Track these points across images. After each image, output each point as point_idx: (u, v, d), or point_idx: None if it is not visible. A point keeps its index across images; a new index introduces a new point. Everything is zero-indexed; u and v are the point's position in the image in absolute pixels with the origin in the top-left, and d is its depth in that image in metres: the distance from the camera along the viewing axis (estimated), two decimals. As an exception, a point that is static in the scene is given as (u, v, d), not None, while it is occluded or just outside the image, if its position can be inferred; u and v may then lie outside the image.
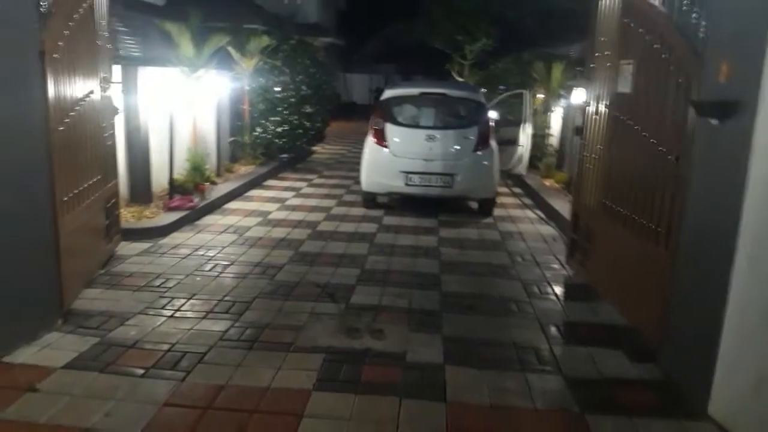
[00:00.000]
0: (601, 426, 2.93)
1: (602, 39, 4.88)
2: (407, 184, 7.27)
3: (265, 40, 9.99)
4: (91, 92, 4.58)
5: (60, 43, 3.85)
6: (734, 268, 2.86)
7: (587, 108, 5.22)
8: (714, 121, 3.06)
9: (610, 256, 4.57)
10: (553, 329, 4.07)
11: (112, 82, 5.21)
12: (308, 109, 11.99)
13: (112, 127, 5.31)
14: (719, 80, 3.05)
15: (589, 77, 5.23)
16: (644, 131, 4.01)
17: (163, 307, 4.18)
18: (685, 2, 3.45)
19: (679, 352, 3.34)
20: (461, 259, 5.67)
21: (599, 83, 4.93)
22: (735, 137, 2.90)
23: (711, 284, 3.03)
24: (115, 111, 5.47)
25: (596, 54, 5.01)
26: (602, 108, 4.85)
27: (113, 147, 5.36)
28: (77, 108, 4.22)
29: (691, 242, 3.31)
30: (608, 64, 4.72)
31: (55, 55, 3.74)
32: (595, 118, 5.00)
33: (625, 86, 4.39)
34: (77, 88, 4.25)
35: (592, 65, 5.12)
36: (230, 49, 9.41)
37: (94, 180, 4.68)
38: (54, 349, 3.49)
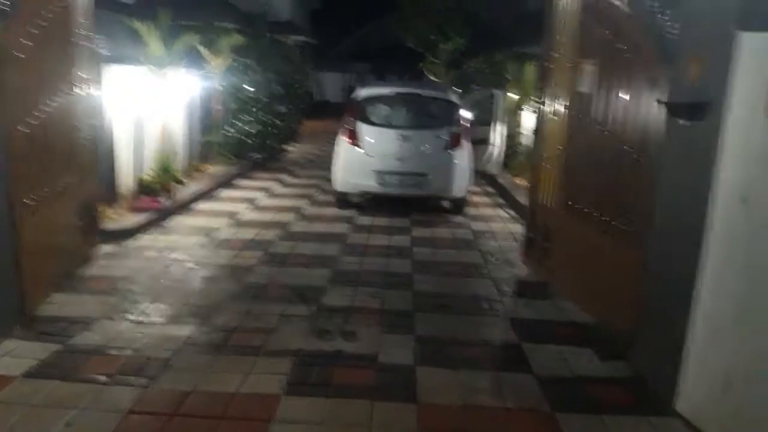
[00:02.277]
0: (571, 424, 2.94)
1: (560, 39, 4.84)
2: (380, 184, 7.24)
3: (237, 38, 9.85)
4: (66, 92, 4.47)
5: (27, 42, 3.73)
6: (702, 267, 2.90)
7: (542, 108, 5.18)
8: (683, 122, 3.08)
9: (573, 255, 4.55)
10: (521, 328, 4.08)
11: (93, 83, 5.07)
12: (280, 108, 11.87)
13: (94, 128, 5.19)
14: (689, 81, 3.08)
15: (544, 77, 5.17)
16: (609, 131, 4.02)
17: (127, 311, 4.07)
18: (655, 4, 3.47)
19: (649, 349, 3.37)
20: (434, 259, 5.66)
21: (556, 83, 4.90)
22: (704, 137, 2.93)
23: (679, 283, 3.06)
24: (98, 112, 5.33)
25: (553, 54, 4.96)
26: (560, 108, 4.82)
27: (93, 148, 5.21)
28: (46, 108, 4.08)
29: (660, 241, 3.34)
30: (567, 64, 4.69)
31: (18, 54, 3.62)
32: (553, 118, 4.97)
33: (586, 86, 4.37)
34: (47, 87, 4.14)
35: (548, 65, 5.08)
36: (200, 47, 9.26)
37: (68, 181, 4.54)
38: (13, 356, 3.37)
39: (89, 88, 5.00)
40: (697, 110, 2.97)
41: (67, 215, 4.62)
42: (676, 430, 2.94)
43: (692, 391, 2.96)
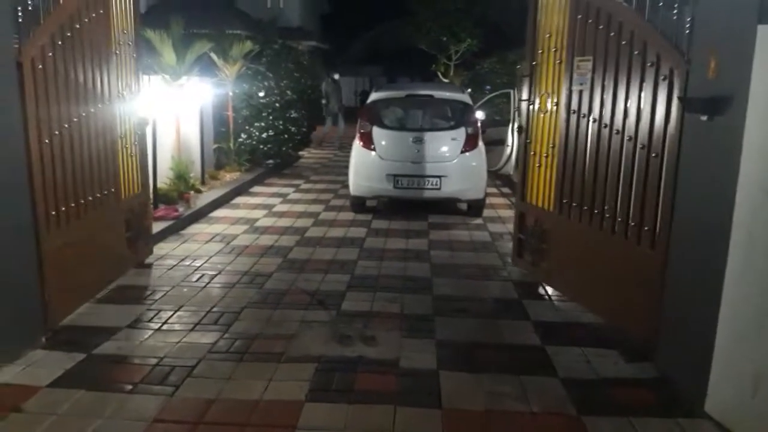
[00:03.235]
0: (598, 427, 2.90)
1: (548, 36, 4.79)
2: (395, 187, 7.23)
3: (248, 45, 9.91)
4: (102, 103, 4.50)
5: (49, 54, 3.76)
6: (727, 265, 2.84)
7: (530, 106, 5.11)
8: (703, 117, 3.04)
9: (578, 256, 4.46)
10: (542, 330, 4.04)
11: (135, 92, 5.12)
12: (293, 114, 11.92)
13: (139, 138, 5.28)
14: (708, 76, 3.03)
15: (530, 74, 5.09)
16: (615, 129, 3.96)
17: (150, 320, 4.09)
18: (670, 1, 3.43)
19: (675, 350, 3.32)
20: (452, 262, 5.63)
21: (546, 81, 4.84)
22: (725, 133, 2.88)
23: (705, 282, 3.01)
24: (144, 122, 5.39)
25: (540, 51, 4.90)
26: (551, 106, 4.76)
27: (141, 158, 5.32)
28: (75, 119, 4.10)
29: (682, 240, 3.29)
30: (558, 61, 4.63)
31: (39, 66, 3.65)
32: (543, 117, 4.90)
33: (582, 83, 4.31)
34: (82, 97, 4.18)
35: (534, 62, 5.01)
36: (213, 55, 9.33)
37: (105, 192, 4.58)
38: (39, 367, 3.40)
39: (131, 97, 5.05)
40: (717, 105, 2.93)
41: (106, 225, 4.65)
42: (707, 431, 2.89)
43: (722, 392, 2.91)
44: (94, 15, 4.36)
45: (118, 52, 4.79)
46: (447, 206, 7.68)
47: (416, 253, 5.90)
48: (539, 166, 4.98)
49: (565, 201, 4.58)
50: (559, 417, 3.01)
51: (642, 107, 3.72)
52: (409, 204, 7.57)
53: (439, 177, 7.15)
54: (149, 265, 5.33)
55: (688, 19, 3.30)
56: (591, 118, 4.24)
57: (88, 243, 4.31)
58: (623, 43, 3.86)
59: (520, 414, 3.02)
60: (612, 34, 3.98)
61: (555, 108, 4.71)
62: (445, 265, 5.50)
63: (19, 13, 3.49)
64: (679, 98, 3.29)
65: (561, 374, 3.42)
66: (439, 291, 4.79)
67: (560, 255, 4.72)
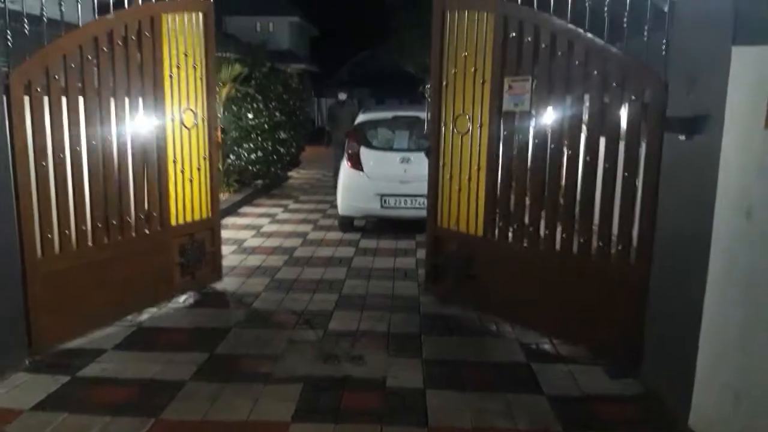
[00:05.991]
0: (584, 444, 2.91)
1: (465, 55, 4.60)
2: (383, 207, 7.28)
3: (238, 69, 10.00)
4: (138, 127, 4.43)
5: (56, 76, 3.76)
6: (708, 282, 2.89)
7: (442, 128, 4.86)
8: (681, 137, 3.11)
9: (529, 281, 4.22)
10: (533, 346, 4.06)
11: (205, 117, 5.04)
12: (282, 135, 11.99)
13: (204, 163, 5.06)
14: (685, 96, 3.11)
15: (440, 95, 4.85)
16: (571, 150, 3.92)
17: (135, 341, 4.07)
18: (645, 24, 3.52)
19: (659, 366, 3.35)
20: (439, 281, 5.65)
21: (463, 101, 4.64)
22: (704, 151, 2.94)
23: (686, 298, 3.06)
24: (213, 146, 5.22)
25: (454, 71, 4.70)
26: (473, 127, 4.58)
27: (206, 183, 5.11)
28: (78, 147, 3.96)
29: (663, 258, 3.35)
30: (481, 81, 4.48)
31: (37, 89, 3.65)
32: (462, 138, 4.69)
33: (518, 104, 4.23)
34: (92, 123, 4.06)
35: (444, 83, 4.80)
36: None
37: (141, 216, 4.48)
38: (22, 389, 3.37)
39: (192, 120, 4.93)
40: (695, 124, 3.00)
41: (139, 251, 4.48)
42: (691, 447, 2.92)
43: (705, 407, 2.93)
44: (133, 38, 4.33)
45: (172, 75, 4.70)
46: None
47: (404, 271, 5.92)
48: (459, 190, 4.76)
49: (504, 223, 4.42)
50: (545, 434, 3.02)
51: (607, 127, 3.74)
52: (397, 223, 7.61)
53: (426, 196, 7.17)
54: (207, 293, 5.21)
55: (664, 40, 3.39)
56: (538, 139, 4.16)
57: (102, 268, 4.17)
58: (576, 63, 3.85)
59: (507, 431, 3.02)
60: (560, 53, 3.95)
61: (479, 129, 4.55)
62: (433, 284, 5.51)
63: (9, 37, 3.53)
64: (659, 117, 3.37)
65: (546, 391, 3.43)
66: (427, 309, 4.80)
67: (500, 282, 4.44)
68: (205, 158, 5.10)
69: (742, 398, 2.71)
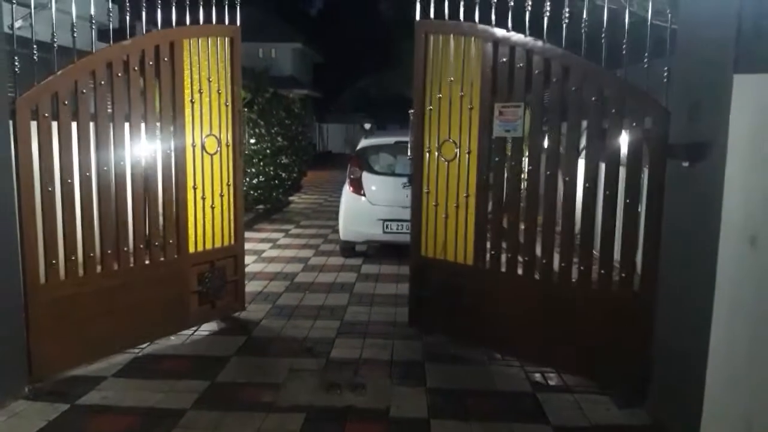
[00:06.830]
0: (591, 477, 2.86)
1: (451, 80, 4.50)
2: (385, 232, 7.27)
3: (240, 94, 10.07)
4: (152, 152, 4.38)
5: (65, 102, 3.77)
6: (714, 310, 2.87)
7: (426, 155, 4.72)
8: (684, 163, 3.12)
9: (527, 312, 4.13)
10: (537, 376, 4.01)
11: (230, 143, 4.97)
12: (284, 160, 12.04)
13: (228, 190, 4.97)
14: (687, 123, 3.13)
15: (423, 121, 4.71)
16: (569, 176, 3.91)
17: (135, 369, 4.03)
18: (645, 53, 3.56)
19: (667, 396, 3.31)
20: (442, 307, 5.60)
21: (449, 127, 4.53)
22: (706, 179, 2.95)
23: (693, 328, 3.03)
24: (241, 170, 5.16)
25: (439, 96, 4.57)
26: (461, 154, 4.48)
27: (228, 210, 5.00)
28: (88, 172, 3.94)
29: (669, 287, 3.32)
30: (469, 107, 4.40)
31: (45, 114, 3.67)
32: (448, 165, 4.57)
33: (510, 130, 4.19)
34: (103, 149, 4.05)
35: (430, 107, 4.65)
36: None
37: (155, 244, 4.42)
38: (21, 418, 3.32)
39: (215, 147, 4.86)
40: (698, 151, 3.01)
41: (150, 279, 4.38)
42: (700, 479, 2.86)
43: (714, 438, 2.89)
44: (150, 63, 4.30)
45: (194, 100, 4.64)
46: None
47: (407, 298, 5.87)
48: (447, 218, 4.62)
49: (497, 252, 4.34)
50: (551, 466, 2.96)
51: (606, 154, 3.75)
52: (399, 248, 7.59)
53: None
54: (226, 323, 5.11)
55: (665, 67, 3.42)
56: (533, 166, 4.12)
57: (110, 296, 4.11)
58: (573, 89, 3.86)
59: (513, 463, 2.98)
60: (555, 80, 3.95)
61: (467, 156, 4.46)
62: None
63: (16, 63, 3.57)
64: (662, 145, 3.38)
65: (553, 421, 3.38)
66: (429, 337, 4.76)
67: (497, 313, 4.29)
68: (229, 185, 4.98)
69: (754, 428, 2.66)
